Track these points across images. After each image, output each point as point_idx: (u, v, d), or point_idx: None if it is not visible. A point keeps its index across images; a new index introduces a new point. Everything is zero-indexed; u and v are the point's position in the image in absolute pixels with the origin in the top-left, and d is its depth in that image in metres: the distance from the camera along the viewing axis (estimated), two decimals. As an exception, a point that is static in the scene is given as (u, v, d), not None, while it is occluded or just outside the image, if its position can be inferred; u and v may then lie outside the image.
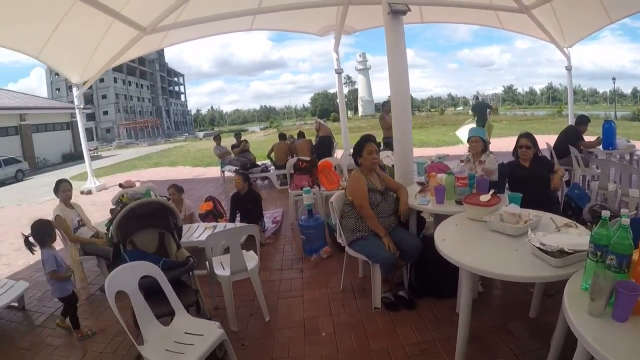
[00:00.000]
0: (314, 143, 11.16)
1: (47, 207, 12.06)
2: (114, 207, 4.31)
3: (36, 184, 20.46)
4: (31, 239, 4.19)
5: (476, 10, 10.01)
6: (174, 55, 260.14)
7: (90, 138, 61.52)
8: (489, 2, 9.41)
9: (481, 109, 12.94)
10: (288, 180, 8.10)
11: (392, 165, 6.18)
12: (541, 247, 2.43)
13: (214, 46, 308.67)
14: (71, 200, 5.39)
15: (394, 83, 5.14)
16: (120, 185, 6.48)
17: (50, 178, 21.09)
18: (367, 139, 3.97)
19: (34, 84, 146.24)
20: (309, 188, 5.79)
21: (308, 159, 7.75)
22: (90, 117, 66.67)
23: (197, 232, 5.54)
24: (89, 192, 13.65)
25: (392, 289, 3.89)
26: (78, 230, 5.17)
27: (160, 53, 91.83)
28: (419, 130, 22.39)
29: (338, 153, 11.74)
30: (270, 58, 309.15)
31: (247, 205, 6.29)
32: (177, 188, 6.36)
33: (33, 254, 4.37)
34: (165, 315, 3.08)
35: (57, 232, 5.11)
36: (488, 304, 3.78)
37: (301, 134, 11.69)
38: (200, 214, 7.12)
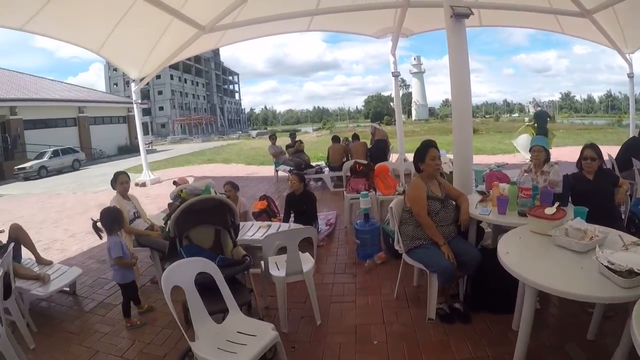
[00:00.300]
0: (368, 146, 11.11)
1: (102, 196, 12.74)
2: (172, 201, 4.38)
3: (91, 174, 21.33)
4: (99, 224, 4.28)
5: (535, 14, 9.71)
6: (229, 55, 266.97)
7: (145, 132, 62.97)
8: (549, 5, 9.09)
9: (543, 118, 12.50)
10: (344, 183, 8.11)
11: (450, 172, 6.06)
12: (610, 265, 2.31)
13: (268, 46, 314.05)
14: (128, 193, 5.52)
15: (456, 88, 5.02)
16: (175, 182, 6.64)
17: (105, 169, 22.34)
18: (429, 144, 3.88)
19: (93, 79, 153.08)
20: (366, 192, 5.75)
21: (365, 162, 7.71)
22: (146, 112, 69.07)
23: (250, 231, 5.57)
24: (144, 185, 14.14)
25: (448, 301, 3.79)
26: (133, 222, 5.30)
27: (216, 52, 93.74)
28: (474, 136, 21.95)
29: (393, 157, 11.65)
30: (324, 59, 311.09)
31: (301, 206, 6.30)
32: (233, 185, 6.44)
33: (101, 238, 4.50)
34: (217, 312, 3.09)
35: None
36: (544, 322, 3.60)
37: (356, 137, 11.63)
38: (254, 212, 7.18)
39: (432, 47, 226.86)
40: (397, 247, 3.95)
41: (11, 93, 27.66)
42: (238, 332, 2.85)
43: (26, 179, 22.00)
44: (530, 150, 4.56)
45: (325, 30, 12.27)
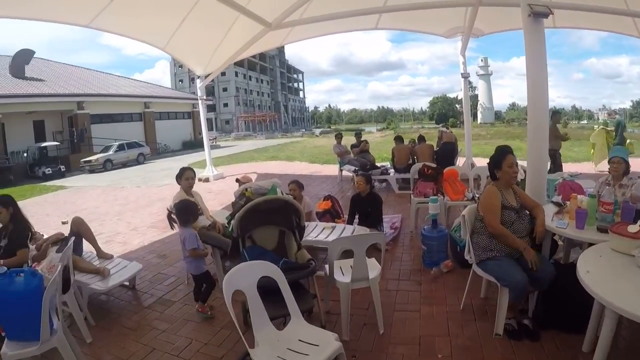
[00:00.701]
0: (435, 148, 10.90)
1: (165, 191, 13.08)
2: (237, 200, 4.42)
3: (156, 168, 21.88)
4: (174, 215, 4.40)
5: (611, 16, 9.11)
6: (293, 53, 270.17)
7: (210, 128, 64.24)
8: (626, 7, 8.52)
9: (621, 127, 11.74)
10: (411, 186, 7.97)
11: (522, 180, 5.81)
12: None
13: (333, 45, 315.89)
14: (193, 189, 5.63)
15: (532, 91, 4.78)
16: (238, 180, 6.70)
17: (168, 163, 23.07)
18: (507, 151, 3.70)
19: (159, 75, 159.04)
20: (435, 197, 5.63)
21: (434, 165, 7.56)
22: (210, 108, 70.50)
23: (315, 231, 5.57)
24: (207, 180, 14.43)
25: (517, 316, 3.59)
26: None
27: (281, 50, 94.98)
28: None
29: (459, 161, 11.35)
30: (389, 59, 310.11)
31: (367, 208, 6.24)
32: (298, 184, 6.47)
33: (172, 229, 4.71)
34: (279, 317, 3.04)
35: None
36: (615, 344, 3.35)
37: (422, 138, 11.43)
38: (317, 212, 7.17)
39: (499, 48, 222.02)
40: (467, 257, 3.81)
41: (79, 88, 29.02)
42: (299, 340, 2.77)
43: (92, 171, 22.88)
44: (609, 162, 4.30)
45: (393, 29, 12.13)
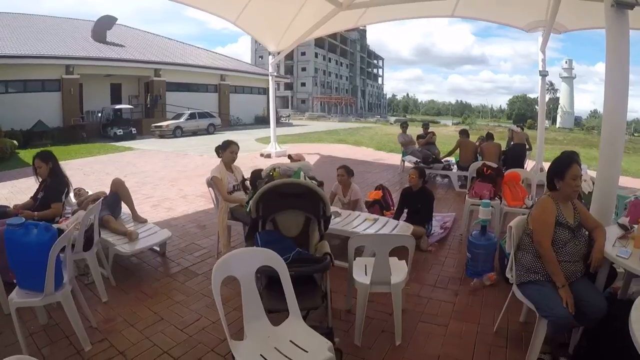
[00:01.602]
0: (503, 148, 10.17)
1: None
2: (262, 179, 4.13)
3: (223, 139, 21.95)
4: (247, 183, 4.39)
5: None
6: (375, 38, 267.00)
7: (285, 106, 66.89)
8: None
9: None
10: (468, 185, 7.44)
11: (589, 193, 5.18)
12: None
13: (415, 34, 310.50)
14: (234, 164, 5.44)
15: (610, 94, 4.10)
16: (290, 157, 6.46)
17: (237, 135, 23.07)
18: (573, 159, 3.14)
19: (241, 50, 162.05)
20: (488, 201, 5.07)
21: (495, 165, 6.90)
22: (288, 86, 72.47)
23: (356, 221, 5.33)
24: (268, 156, 14.52)
25: (554, 351, 3.10)
26: (232, 194, 5.17)
27: (362, 34, 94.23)
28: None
29: (528, 164, 10.53)
30: (472, 53, 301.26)
31: (417, 204, 5.83)
32: (346, 169, 6.16)
33: (246, 194, 4.77)
34: (277, 311, 2.80)
35: (210, 192, 5.31)
36: None
37: (490, 136, 10.65)
38: (366, 201, 6.86)
39: (585, 50, 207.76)
40: (508, 275, 3.33)
41: (157, 56, 30.07)
42: (291, 341, 2.50)
43: (161, 136, 23.64)
44: None
45: (470, 18, 11.34)
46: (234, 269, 2.58)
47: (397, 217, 5.86)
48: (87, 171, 12.02)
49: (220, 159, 5.39)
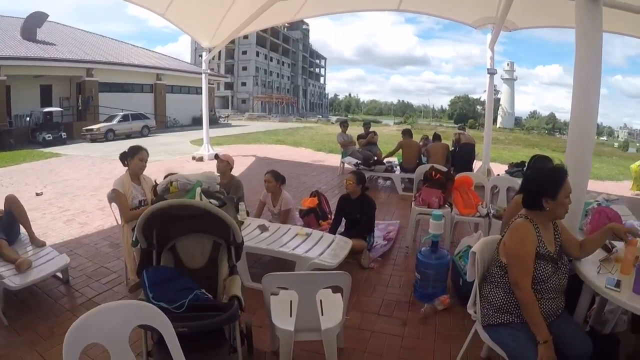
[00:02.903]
0: (450, 149, 9.68)
1: (151, 168, 11.94)
2: (160, 195, 3.25)
3: (156, 142, 21.12)
4: None
5: None
6: (317, 38, 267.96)
7: (225, 106, 65.80)
8: None
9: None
10: (414, 190, 6.76)
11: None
12: None
13: (358, 34, 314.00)
14: (143, 174, 4.70)
15: (579, 95, 3.51)
16: (217, 156, 5.75)
17: (172, 138, 22.65)
18: (564, 172, 2.46)
19: (181, 49, 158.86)
20: (439, 212, 4.29)
21: (444, 169, 6.25)
22: (228, 86, 70.77)
23: (286, 237, 4.55)
24: (200, 159, 13.74)
25: None
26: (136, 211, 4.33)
27: (305, 33, 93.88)
28: (560, 154, 19.84)
29: (475, 165, 10.07)
30: (414, 54, 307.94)
31: (355, 213, 5.09)
32: (274, 175, 5.37)
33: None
34: None
35: (112, 209, 4.60)
36: None
37: (437, 137, 10.13)
38: (300, 210, 6.14)
39: (526, 54, 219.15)
40: (470, 312, 2.61)
41: (89, 55, 28.22)
42: None
43: (93, 140, 22.26)
44: None
45: (417, 12, 10.85)
46: (97, 334, 1.76)
47: (334, 228, 5.15)
48: (6, 182, 10.81)
49: (125, 168, 4.63)
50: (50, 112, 23.25)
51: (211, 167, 11.62)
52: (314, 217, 6.03)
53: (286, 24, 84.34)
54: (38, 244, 4.52)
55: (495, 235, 2.95)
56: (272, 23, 12.42)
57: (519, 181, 5.73)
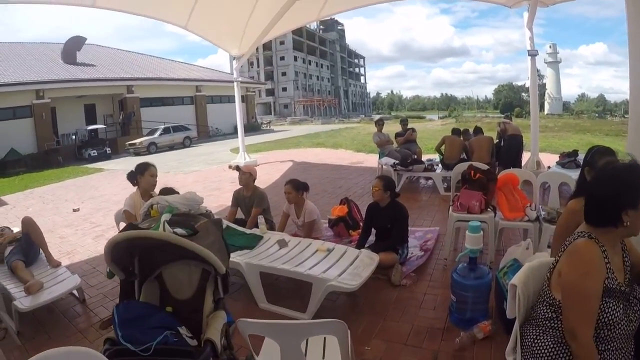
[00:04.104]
0: (495, 142, 8.90)
1: (189, 178, 12.79)
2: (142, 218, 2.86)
3: (197, 152, 21.54)
4: None
5: None
6: (354, 38, 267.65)
7: (268, 112, 67.24)
8: None
9: None
10: (451, 193, 6.08)
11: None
12: None
13: (394, 30, 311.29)
14: (154, 190, 4.43)
15: (637, 70, 2.89)
16: (238, 168, 5.42)
17: (213, 147, 23.00)
18: None
19: (221, 61, 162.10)
20: (477, 223, 3.52)
21: (485, 167, 5.43)
22: (270, 92, 71.83)
23: (305, 252, 4.12)
24: (237, 168, 13.22)
25: None
26: None
27: (341, 34, 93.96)
28: (614, 138, 18.53)
29: (524, 158, 9.21)
30: (452, 45, 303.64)
31: (385, 223, 4.54)
32: (294, 185, 4.94)
33: None
34: None
35: (118, 229, 4.42)
36: None
37: (478, 130, 9.38)
38: (330, 219, 5.66)
39: (567, 34, 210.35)
40: (509, 359, 2.03)
41: (129, 73, 29.41)
42: None
43: (137, 154, 22.93)
44: None
45: None
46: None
47: (362, 240, 4.63)
48: (47, 199, 11.15)
49: (135, 188, 4.48)
50: (95, 130, 24.36)
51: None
52: (343, 226, 5.59)
53: (320, 27, 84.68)
54: (53, 264, 4.52)
55: (544, 255, 2.36)
56: (298, 24, 12.26)
57: (573, 174, 5.03)
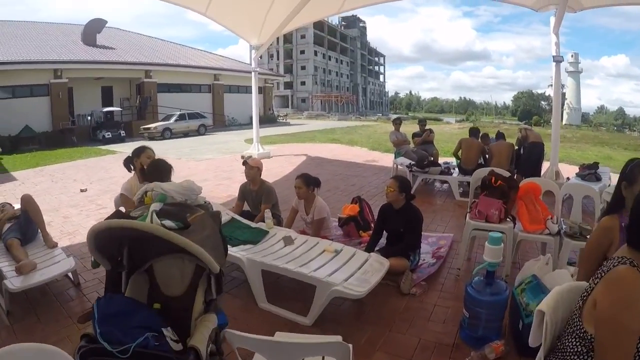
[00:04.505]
0: (516, 148, 8.58)
1: (200, 166, 12.73)
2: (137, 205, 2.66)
3: (212, 140, 21.46)
4: None
5: None
6: (375, 36, 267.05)
7: (285, 105, 67.69)
8: None
9: None
10: (469, 199, 5.83)
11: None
12: None
13: (416, 31, 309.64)
14: None
15: None
16: (245, 163, 5.21)
17: (228, 136, 23.00)
18: None
19: (241, 52, 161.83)
20: (499, 234, 3.17)
21: (507, 174, 5.17)
22: (288, 85, 72.21)
23: (312, 252, 3.92)
24: (244, 163, 13.12)
25: None
26: None
27: (362, 31, 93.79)
28: (633, 152, 18.00)
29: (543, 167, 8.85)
30: (474, 48, 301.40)
31: (398, 227, 4.30)
32: (305, 179, 4.71)
33: None
34: None
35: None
36: None
37: (500, 135, 9.06)
38: (340, 218, 5.45)
39: (591, 44, 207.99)
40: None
41: (147, 57, 29.38)
42: None
43: (151, 139, 22.86)
44: None
45: None
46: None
47: (373, 242, 4.41)
48: (57, 177, 11.15)
49: (133, 172, 4.26)
50: (111, 112, 24.25)
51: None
52: (354, 226, 5.37)
53: (342, 23, 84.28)
54: (50, 244, 4.44)
55: (565, 273, 2.13)
56: (320, 16, 12.11)
57: (595, 187, 4.76)
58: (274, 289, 3.83)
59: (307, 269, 3.47)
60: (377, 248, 4.33)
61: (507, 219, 4.38)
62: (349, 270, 3.46)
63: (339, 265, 3.55)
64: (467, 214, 4.61)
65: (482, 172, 5.36)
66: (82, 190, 9.00)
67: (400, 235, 4.28)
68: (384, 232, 4.51)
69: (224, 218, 4.75)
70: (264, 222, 4.63)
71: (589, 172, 7.34)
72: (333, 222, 5.64)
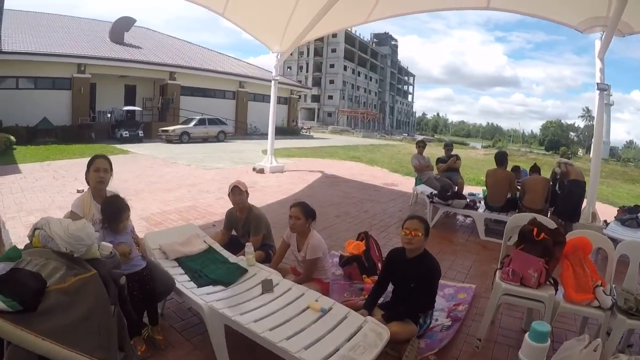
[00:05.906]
0: (554, 185, 7.42)
1: (208, 175, 12.24)
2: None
3: (228, 148, 21.06)
4: None
5: None
6: (406, 56, 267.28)
7: (311, 118, 67.95)
8: None
9: None
10: (502, 249, 4.53)
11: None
12: None
13: (447, 53, 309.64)
14: (107, 189, 3.49)
15: None
16: (235, 188, 4.39)
17: (245, 145, 22.54)
18: None
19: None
20: (546, 329, 2.10)
21: (553, 225, 3.82)
22: (315, 98, 72.20)
23: (293, 306, 3.04)
24: (261, 171, 12.76)
25: None
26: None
27: (394, 49, 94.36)
28: None
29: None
30: (503, 74, 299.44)
31: (409, 279, 3.35)
32: (303, 209, 3.85)
33: None
34: None
35: None
36: None
37: (536, 169, 7.70)
38: (342, 256, 4.62)
39: (622, 77, 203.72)
40: None
41: (172, 59, 29.28)
42: None
43: (169, 141, 22.73)
44: None
45: (510, 11, 9.19)
46: None
47: (374, 297, 3.51)
48: (59, 175, 10.67)
49: (87, 187, 3.51)
50: (132, 111, 23.94)
51: (268, 181, 10.69)
52: (357, 267, 4.50)
53: (374, 39, 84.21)
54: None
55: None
56: (345, 24, 11.91)
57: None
58: (243, 347, 3.01)
59: (279, 334, 2.60)
60: (380, 300, 3.52)
61: (547, 282, 3.40)
62: (333, 341, 2.57)
63: (323, 333, 2.66)
64: (497, 272, 3.62)
65: (522, 218, 4.14)
66: (78, 191, 8.33)
67: (409, 291, 3.35)
68: (389, 284, 3.61)
69: (200, 247, 3.96)
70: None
71: (630, 216, 6.51)
72: (335, 257, 4.86)
